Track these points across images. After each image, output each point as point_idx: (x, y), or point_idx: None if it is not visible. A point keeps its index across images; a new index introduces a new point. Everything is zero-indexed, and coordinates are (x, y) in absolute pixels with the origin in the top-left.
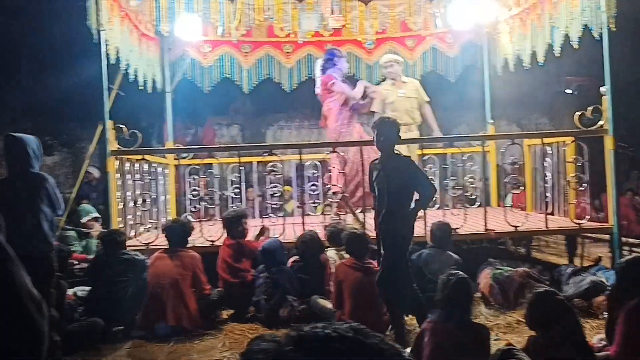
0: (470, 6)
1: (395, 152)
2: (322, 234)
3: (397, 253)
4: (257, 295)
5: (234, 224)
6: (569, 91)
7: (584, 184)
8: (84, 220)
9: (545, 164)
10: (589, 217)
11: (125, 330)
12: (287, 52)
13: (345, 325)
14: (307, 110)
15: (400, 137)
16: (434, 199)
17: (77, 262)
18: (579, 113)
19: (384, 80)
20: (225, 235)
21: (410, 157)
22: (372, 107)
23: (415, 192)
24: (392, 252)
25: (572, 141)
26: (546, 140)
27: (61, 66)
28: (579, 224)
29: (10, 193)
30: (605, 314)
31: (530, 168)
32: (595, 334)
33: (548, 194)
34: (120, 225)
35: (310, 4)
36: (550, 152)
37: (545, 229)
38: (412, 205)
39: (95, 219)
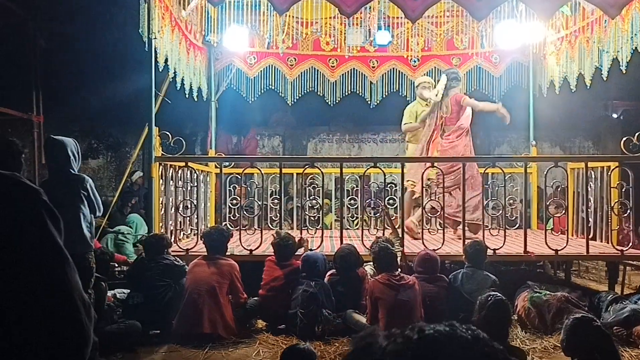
0: (518, 27)
1: None
2: (360, 247)
3: None
4: (293, 307)
5: (288, 251)
6: (614, 115)
7: (627, 210)
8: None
9: (588, 189)
10: (631, 244)
11: (161, 334)
12: (332, 66)
13: (470, 336)
14: (348, 125)
15: None
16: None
17: (117, 265)
18: (625, 138)
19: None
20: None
21: None
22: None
23: None
24: None
25: (617, 166)
26: (590, 164)
27: (110, 71)
28: (621, 250)
29: (51, 194)
30: None
31: (573, 192)
32: None
33: (590, 219)
34: (162, 231)
35: (357, 20)
36: (594, 176)
37: (586, 254)
38: None
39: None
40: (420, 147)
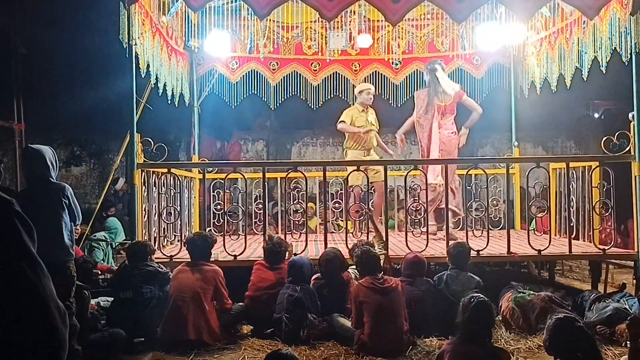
0: (498, 28)
1: None
2: (344, 251)
3: None
4: (279, 312)
5: (280, 256)
6: (596, 115)
7: (609, 210)
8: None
9: (570, 188)
10: (613, 243)
11: (146, 341)
12: (315, 70)
13: None
14: (332, 128)
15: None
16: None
17: (101, 273)
18: (605, 138)
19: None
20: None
21: None
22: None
23: None
24: None
25: (598, 166)
26: (572, 164)
27: (92, 78)
28: (603, 249)
29: (31, 203)
30: (629, 342)
31: (555, 192)
32: None
33: (573, 219)
34: (145, 238)
35: (338, 23)
36: (576, 176)
37: (568, 253)
38: None
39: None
40: (424, 147)
